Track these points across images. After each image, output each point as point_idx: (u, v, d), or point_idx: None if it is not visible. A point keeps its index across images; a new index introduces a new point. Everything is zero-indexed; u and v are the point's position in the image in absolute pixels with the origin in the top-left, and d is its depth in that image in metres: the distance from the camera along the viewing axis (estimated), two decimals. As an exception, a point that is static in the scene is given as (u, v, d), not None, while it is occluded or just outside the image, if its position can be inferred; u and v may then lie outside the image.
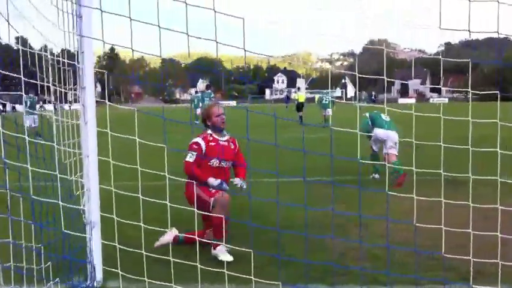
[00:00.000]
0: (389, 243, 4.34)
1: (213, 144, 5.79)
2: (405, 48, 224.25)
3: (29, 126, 17.24)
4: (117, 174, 4.30)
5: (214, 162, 5.74)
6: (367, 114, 10.67)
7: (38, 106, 21.66)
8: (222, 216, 5.22)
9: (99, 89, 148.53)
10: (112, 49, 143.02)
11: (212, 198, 5.44)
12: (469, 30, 4.14)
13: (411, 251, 4.68)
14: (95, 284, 4.41)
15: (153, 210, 5.42)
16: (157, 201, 4.13)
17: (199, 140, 5.78)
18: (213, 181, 5.53)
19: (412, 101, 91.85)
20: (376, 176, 10.57)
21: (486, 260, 4.40)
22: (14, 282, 3.80)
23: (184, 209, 4.74)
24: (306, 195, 7.31)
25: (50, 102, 4.78)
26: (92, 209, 4.34)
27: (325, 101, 29.89)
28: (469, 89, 4.82)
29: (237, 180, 5.74)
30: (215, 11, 3.67)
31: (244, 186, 5.73)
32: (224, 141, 5.91)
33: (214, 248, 5.49)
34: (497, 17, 3.83)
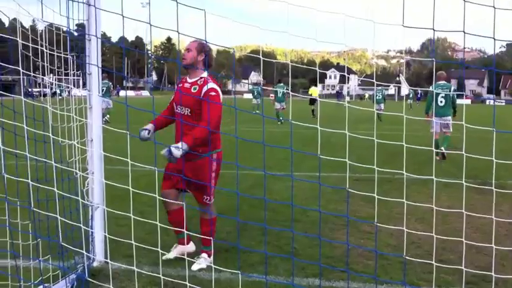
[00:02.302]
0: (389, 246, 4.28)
1: (179, 86, 4.95)
2: (465, 48, 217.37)
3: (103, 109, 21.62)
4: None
5: (177, 108, 4.90)
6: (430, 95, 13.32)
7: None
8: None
9: (154, 77, 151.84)
10: (169, 39, 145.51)
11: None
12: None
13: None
14: (96, 264, 4.56)
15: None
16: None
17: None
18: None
19: (468, 101, 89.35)
20: (437, 158, 12.11)
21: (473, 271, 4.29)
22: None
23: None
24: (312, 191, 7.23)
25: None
26: (95, 190, 4.48)
27: (378, 96, 31.09)
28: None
29: (164, 151, 4.42)
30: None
31: (172, 155, 4.38)
32: (190, 83, 4.88)
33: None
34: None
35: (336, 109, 37.83)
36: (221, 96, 4.86)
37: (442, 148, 12.48)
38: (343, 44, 3.26)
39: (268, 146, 3.45)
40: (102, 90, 22.91)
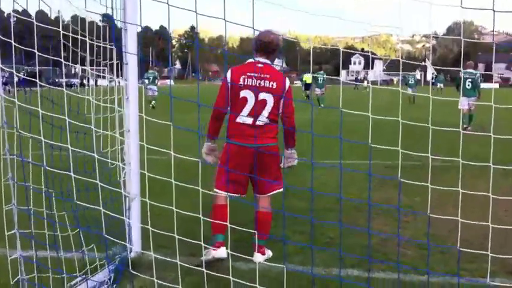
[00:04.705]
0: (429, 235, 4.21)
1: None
2: (492, 31, 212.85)
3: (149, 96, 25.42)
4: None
5: None
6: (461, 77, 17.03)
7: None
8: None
9: (178, 66, 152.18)
10: (192, 28, 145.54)
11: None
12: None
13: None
14: (133, 255, 4.56)
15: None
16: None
17: None
18: None
19: (496, 86, 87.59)
20: (465, 126, 15.59)
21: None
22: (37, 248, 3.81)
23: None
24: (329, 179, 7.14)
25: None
26: (132, 182, 4.48)
27: (411, 81, 34.23)
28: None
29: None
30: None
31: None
32: None
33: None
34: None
35: (356, 94, 37.91)
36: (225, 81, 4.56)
37: (466, 126, 15.63)
38: (399, 28, 3.22)
39: (345, 140, 3.40)
40: (149, 78, 26.36)
